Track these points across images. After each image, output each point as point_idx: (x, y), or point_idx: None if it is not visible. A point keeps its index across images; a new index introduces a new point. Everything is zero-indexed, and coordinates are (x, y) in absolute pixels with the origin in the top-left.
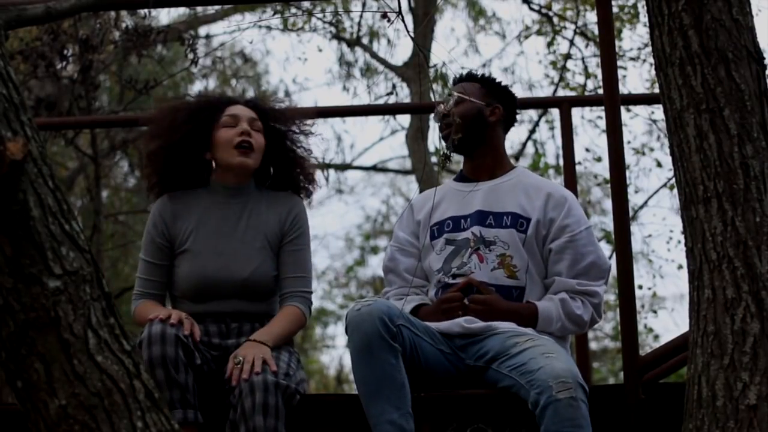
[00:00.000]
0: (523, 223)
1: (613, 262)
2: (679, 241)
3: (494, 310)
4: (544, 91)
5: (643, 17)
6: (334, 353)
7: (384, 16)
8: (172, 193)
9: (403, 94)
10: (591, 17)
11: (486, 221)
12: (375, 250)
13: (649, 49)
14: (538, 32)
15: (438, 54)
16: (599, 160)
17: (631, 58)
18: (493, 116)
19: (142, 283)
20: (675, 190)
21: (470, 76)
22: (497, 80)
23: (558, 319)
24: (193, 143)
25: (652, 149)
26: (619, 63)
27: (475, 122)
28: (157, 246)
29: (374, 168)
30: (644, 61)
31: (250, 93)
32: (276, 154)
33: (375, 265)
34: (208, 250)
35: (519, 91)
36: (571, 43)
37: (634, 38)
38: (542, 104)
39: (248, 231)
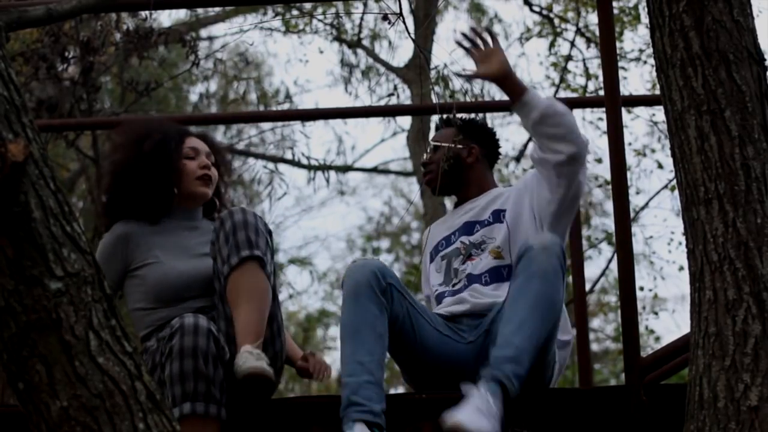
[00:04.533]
0: (501, 212)
1: (615, 264)
2: (680, 243)
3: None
4: (546, 93)
5: (644, 18)
6: (335, 355)
7: (385, 18)
8: (124, 221)
9: (404, 96)
10: (592, 19)
11: (473, 230)
12: (376, 252)
13: (650, 50)
14: (539, 34)
15: (439, 56)
16: (600, 161)
17: (632, 59)
18: (470, 157)
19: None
20: (676, 192)
21: (446, 122)
22: (474, 120)
23: (545, 99)
24: (160, 176)
25: (653, 150)
26: (620, 64)
27: (452, 166)
28: (112, 270)
29: (376, 170)
30: (645, 62)
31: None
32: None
33: None
34: (175, 257)
35: None
36: (572, 44)
37: (636, 39)
38: None
39: (203, 245)
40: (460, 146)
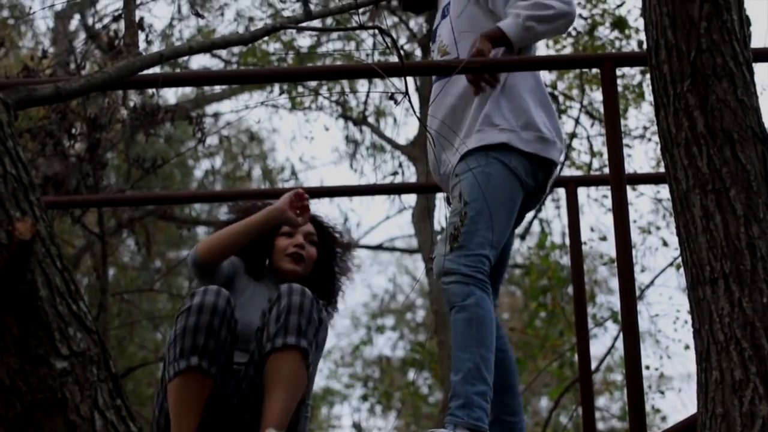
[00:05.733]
0: (446, 8)
1: (620, 342)
2: (686, 321)
3: (480, 46)
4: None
5: (648, 96)
6: None
7: (391, 97)
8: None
9: (410, 173)
10: (596, 96)
11: (435, 36)
12: (381, 330)
13: (654, 127)
14: None
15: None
16: (605, 239)
17: (637, 137)
18: None
19: None
20: (681, 270)
21: None
22: None
23: (516, 15)
24: (256, 246)
25: (658, 228)
26: (625, 141)
27: None
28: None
29: (381, 247)
30: (650, 139)
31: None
32: (321, 268)
33: (381, 345)
34: (243, 305)
35: None
36: (577, 122)
37: (640, 117)
38: None
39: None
40: None
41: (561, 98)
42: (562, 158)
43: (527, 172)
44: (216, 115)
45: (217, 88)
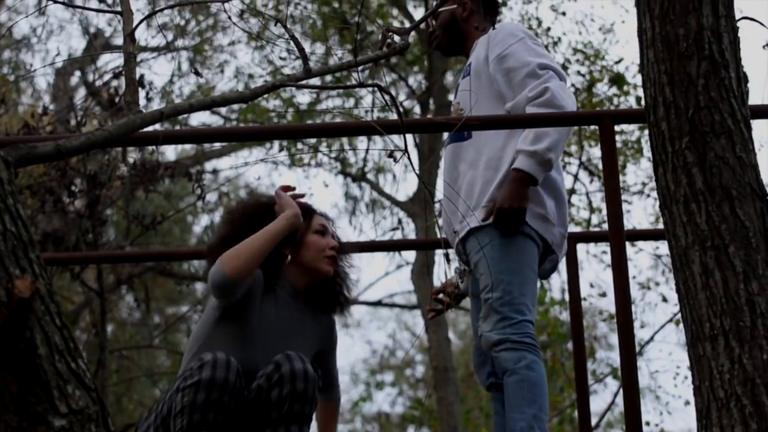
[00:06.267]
0: (467, 69)
1: (620, 398)
2: (687, 377)
3: (506, 204)
4: None
5: (647, 152)
6: None
7: (390, 155)
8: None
9: (409, 229)
10: (595, 152)
11: (458, 89)
12: (380, 386)
13: (653, 183)
14: None
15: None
16: (604, 295)
17: (636, 193)
18: (464, 12)
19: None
20: (681, 326)
21: None
22: None
23: (531, 153)
24: (272, 255)
25: (657, 284)
26: (624, 197)
27: (451, 26)
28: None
29: (380, 303)
30: (648, 195)
31: None
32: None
33: (380, 401)
34: (260, 343)
35: None
36: (576, 178)
37: (639, 173)
38: None
39: (300, 337)
40: (453, 5)
41: None
42: (563, 252)
43: (538, 235)
44: (215, 172)
45: (217, 145)
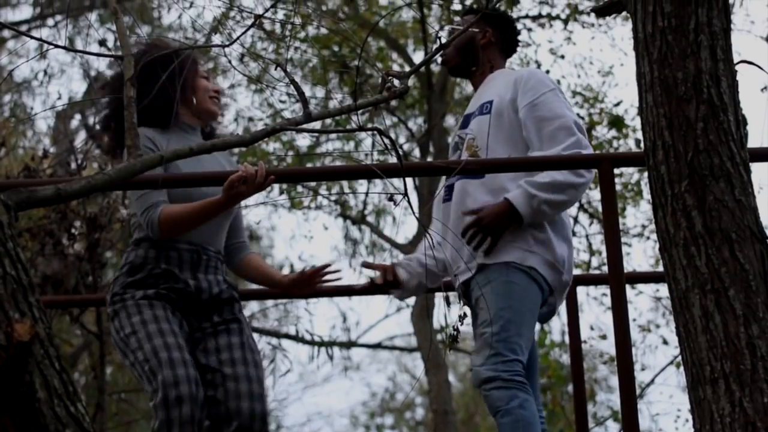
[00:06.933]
0: (487, 106)
1: None
2: (687, 420)
3: (486, 222)
4: None
5: (646, 194)
6: None
7: (390, 198)
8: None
9: None
10: (594, 195)
11: (468, 122)
12: (380, 429)
13: (652, 226)
14: None
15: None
16: (604, 337)
17: (635, 235)
18: (483, 39)
19: (157, 194)
20: (682, 368)
21: (468, 11)
22: (495, 8)
23: (531, 195)
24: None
25: (658, 326)
26: (623, 240)
27: (466, 48)
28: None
29: (380, 345)
30: (648, 238)
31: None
32: None
33: None
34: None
35: None
36: (575, 220)
37: (638, 215)
38: None
39: (214, 164)
40: (475, 29)
41: None
42: (563, 297)
43: (545, 281)
44: None
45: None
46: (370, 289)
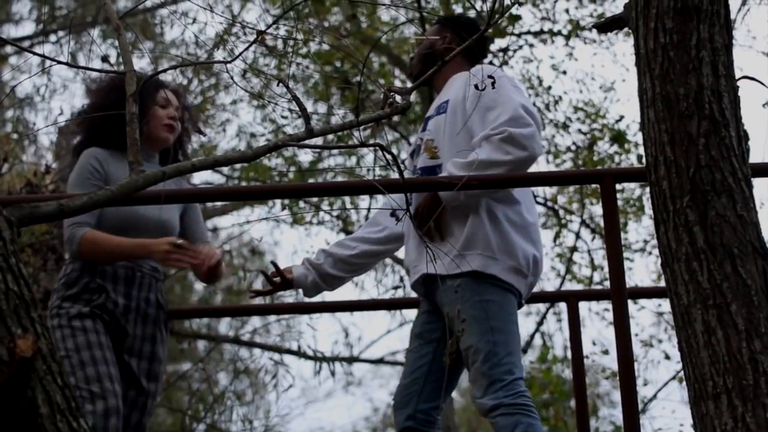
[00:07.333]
0: (444, 106)
1: None
2: None
3: (419, 212)
4: (552, 284)
5: (648, 209)
6: None
7: (392, 214)
8: (98, 147)
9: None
10: (596, 210)
11: (426, 125)
12: None
13: (654, 241)
14: (544, 225)
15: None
16: (607, 352)
17: (637, 250)
18: (443, 45)
19: (89, 215)
20: (684, 383)
21: (437, 20)
22: (459, 15)
23: (463, 165)
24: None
25: (660, 341)
26: (625, 255)
27: (427, 55)
28: (91, 185)
29: (382, 360)
30: (650, 253)
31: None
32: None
33: None
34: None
35: None
36: (577, 235)
37: (640, 230)
38: (550, 298)
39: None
40: (435, 37)
41: (561, 212)
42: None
43: (514, 287)
44: (215, 230)
45: (219, 203)
46: (267, 292)
